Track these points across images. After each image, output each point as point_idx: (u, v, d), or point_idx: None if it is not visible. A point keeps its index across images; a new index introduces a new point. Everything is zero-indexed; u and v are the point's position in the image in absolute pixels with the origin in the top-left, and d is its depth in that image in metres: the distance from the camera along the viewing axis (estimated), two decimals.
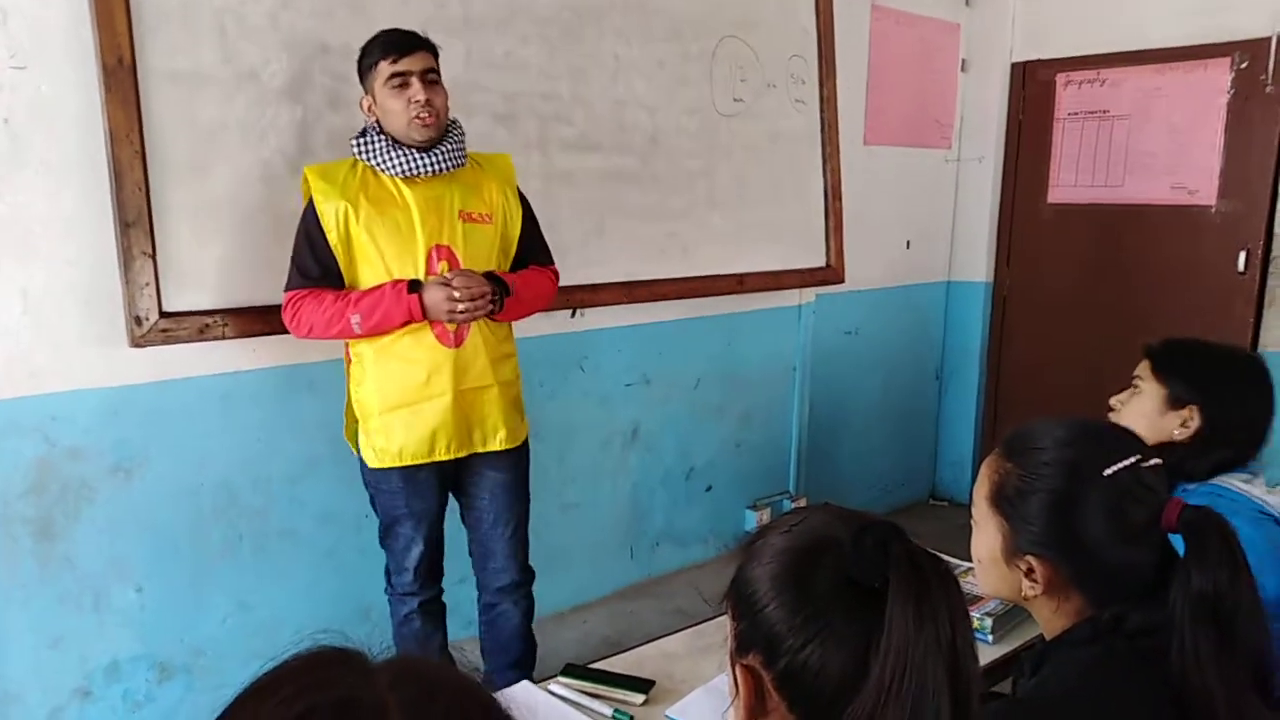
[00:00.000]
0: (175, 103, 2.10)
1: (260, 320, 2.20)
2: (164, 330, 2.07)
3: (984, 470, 1.14)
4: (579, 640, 2.97)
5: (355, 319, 1.96)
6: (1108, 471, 1.03)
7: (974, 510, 1.14)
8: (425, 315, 1.99)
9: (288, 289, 2.03)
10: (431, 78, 2.02)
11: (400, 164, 2.01)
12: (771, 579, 0.82)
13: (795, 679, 0.79)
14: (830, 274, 3.63)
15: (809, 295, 3.73)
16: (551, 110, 2.78)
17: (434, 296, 1.97)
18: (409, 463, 2.07)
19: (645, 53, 3.00)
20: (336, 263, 2.01)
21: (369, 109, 2.05)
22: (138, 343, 2.05)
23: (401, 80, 1.98)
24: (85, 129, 2.03)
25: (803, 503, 3.79)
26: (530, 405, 2.91)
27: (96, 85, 2.00)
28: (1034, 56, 4.27)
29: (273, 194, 2.24)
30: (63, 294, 2.05)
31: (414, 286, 1.98)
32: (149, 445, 2.22)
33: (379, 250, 2.00)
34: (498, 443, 2.16)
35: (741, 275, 3.31)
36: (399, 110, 1.99)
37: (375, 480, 2.13)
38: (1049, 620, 1.09)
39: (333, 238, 1.99)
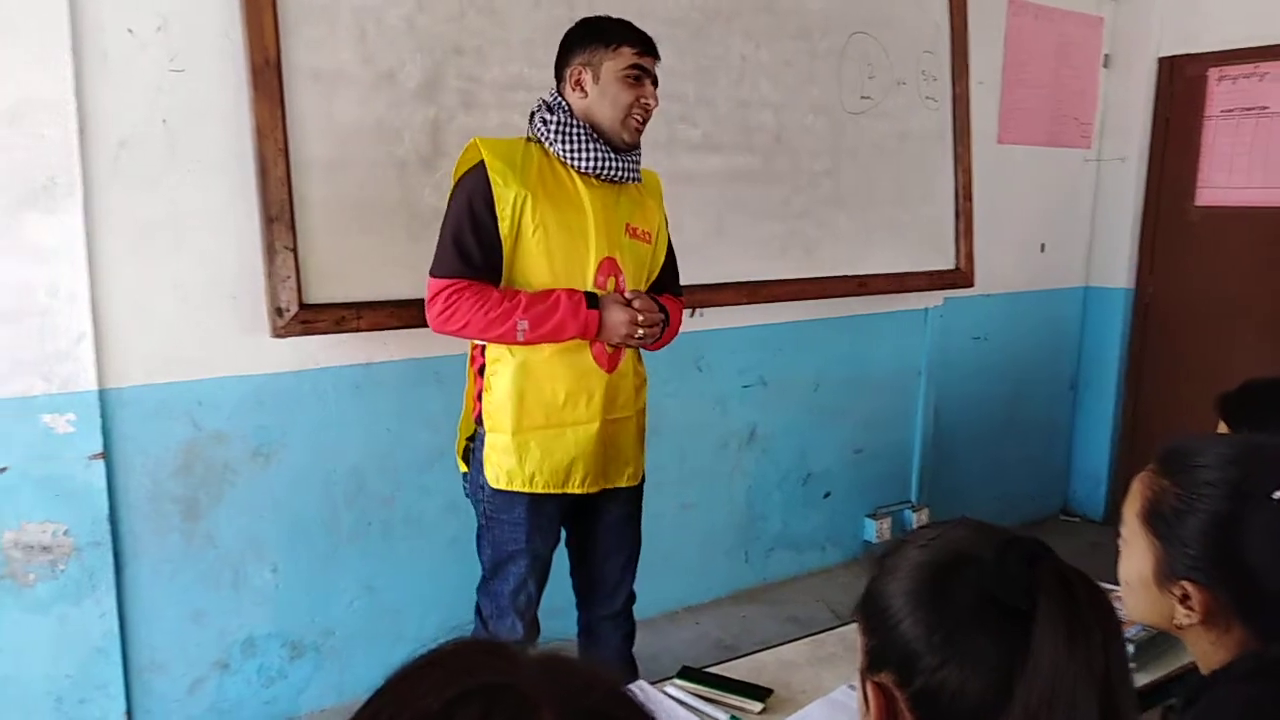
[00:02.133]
0: (316, 101, 2.18)
1: (392, 314, 2.27)
2: (303, 322, 2.16)
3: (1136, 486, 1.06)
4: (691, 641, 2.96)
5: (523, 325, 1.76)
6: (1277, 494, 0.95)
7: (1123, 529, 1.07)
8: (598, 334, 1.84)
9: (441, 275, 1.79)
10: (656, 86, 1.90)
11: (591, 159, 1.83)
12: (907, 594, 0.78)
13: (931, 700, 0.76)
14: (959, 277, 3.51)
15: (936, 299, 3.61)
16: (677, 111, 2.77)
17: (616, 316, 1.82)
18: (539, 490, 1.87)
19: (773, 52, 2.97)
20: (502, 254, 1.80)
21: (578, 83, 1.85)
22: (279, 333, 2.14)
23: (639, 74, 1.84)
24: (233, 128, 2.13)
25: (925, 514, 3.69)
26: (651, 401, 2.93)
27: (244, 85, 2.10)
28: (1183, 51, 4.03)
29: (407, 192, 2.30)
30: (211, 286, 2.16)
31: (592, 301, 1.82)
32: (286, 431, 2.32)
33: (548, 251, 1.81)
34: (625, 479, 1.99)
35: (865, 277, 3.23)
36: (624, 103, 1.83)
37: (494, 508, 1.90)
38: (1206, 652, 1.01)
39: (504, 226, 1.77)
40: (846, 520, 3.56)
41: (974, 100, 3.54)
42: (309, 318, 2.17)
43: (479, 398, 1.91)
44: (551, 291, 1.82)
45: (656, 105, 1.89)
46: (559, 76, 1.91)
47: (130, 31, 2.02)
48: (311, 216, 2.18)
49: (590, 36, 1.87)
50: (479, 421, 1.91)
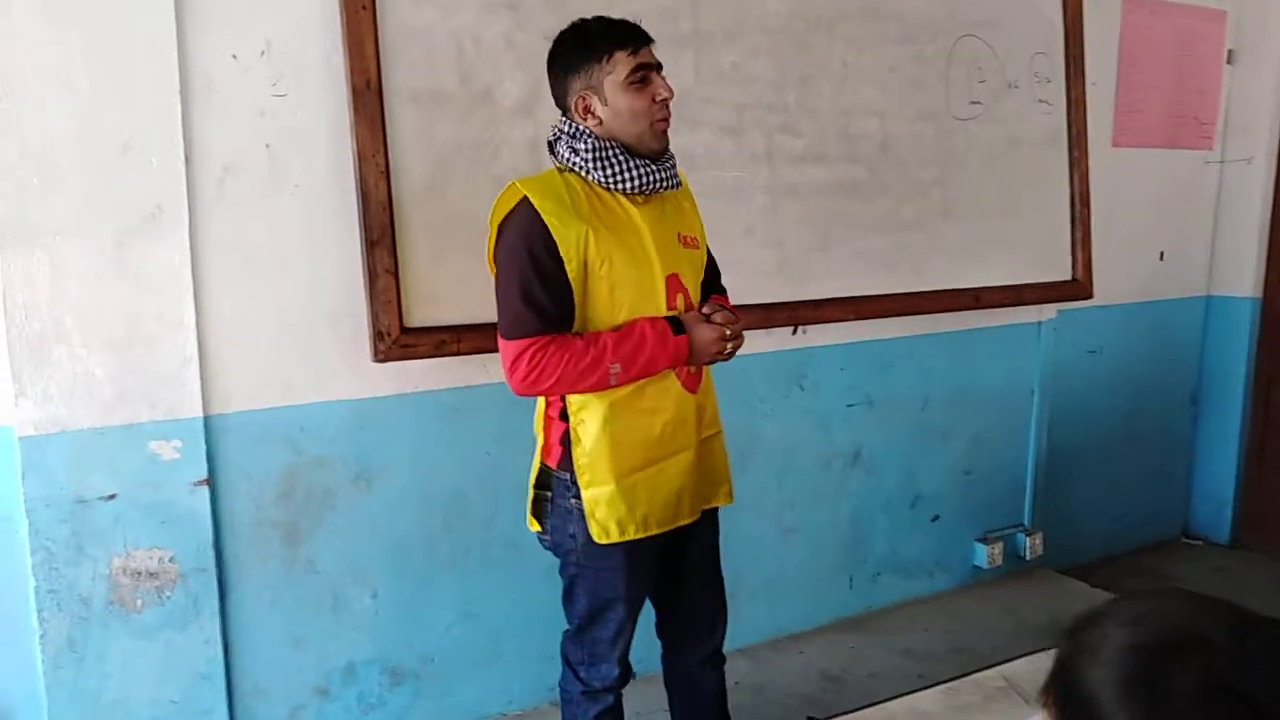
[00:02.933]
0: (416, 123, 2.15)
1: (491, 337, 2.19)
2: (404, 346, 2.12)
3: None
4: (797, 671, 2.84)
5: (616, 369, 1.64)
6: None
7: None
8: (689, 359, 1.74)
9: (519, 335, 1.65)
10: (661, 70, 1.74)
11: (636, 178, 1.70)
12: (1117, 683, 0.68)
13: None
14: (1077, 289, 3.32)
15: (1050, 311, 3.43)
16: (778, 122, 2.68)
17: (705, 335, 1.72)
18: (655, 531, 1.77)
19: (877, 58, 2.85)
20: (573, 299, 1.67)
21: (586, 110, 1.71)
22: (380, 357, 2.11)
23: (644, 75, 1.68)
24: (334, 152, 2.11)
25: (1038, 538, 3.50)
26: (750, 424, 2.85)
27: (345, 108, 2.08)
28: None
29: None
30: (312, 310, 2.15)
31: (677, 326, 1.72)
32: (387, 456, 2.29)
33: (620, 283, 1.69)
34: (722, 497, 1.92)
35: (978, 290, 3.08)
36: (641, 111, 1.68)
37: (589, 559, 1.77)
38: None
39: (572, 269, 1.64)
40: (955, 544, 3.39)
41: (1088, 102, 3.35)
42: (410, 341, 2.14)
43: (562, 446, 1.77)
44: (634, 325, 1.70)
45: (672, 94, 1.72)
46: (562, 106, 1.76)
47: (234, 57, 2.02)
48: (411, 239, 2.15)
49: (576, 58, 1.71)
50: (560, 472, 1.78)
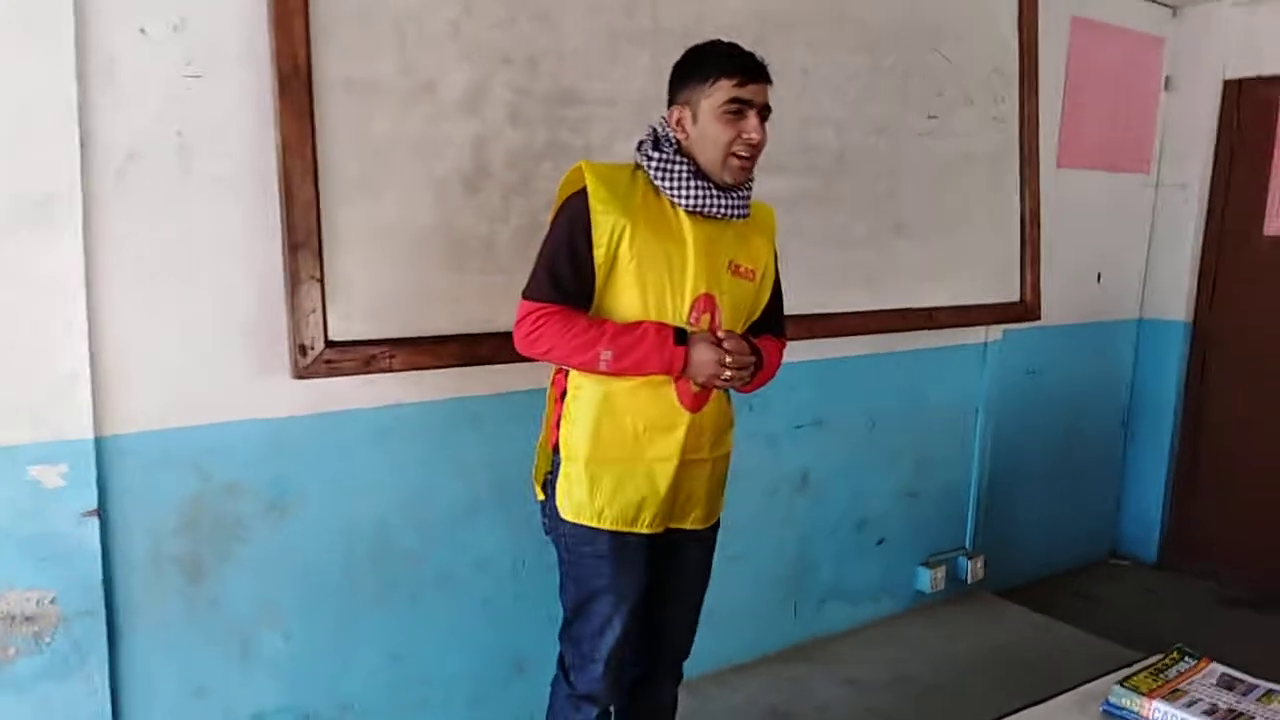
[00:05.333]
0: (349, 114, 1.94)
1: (429, 352, 2.02)
2: (329, 361, 1.91)
3: None
4: (741, 708, 2.70)
5: (607, 355, 1.68)
6: None
7: None
8: (683, 372, 1.73)
9: (532, 297, 1.72)
10: (766, 115, 1.75)
11: (696, 199, 1.73)
12: None
13: None
14: (1024, 310, 3.28)
15: (996, 332, 3.38)
16: None
17: (704, 355, 1.71)
18: (606, 527, 1.76)
19: (836, 65, 2.73)
20: (594, 281, 1.72)
21: (678, 122, 1.75)
22: (301, 374, 1.89)
23: (739, 108, 1.70)
24: (257, 142, 1.88)
25: (980, 561, 3.44)
26: None
27: (269, 95, 1.86)
28: (1251, 73, 3.81)
29: (447, 215, 2.06)
30: (225, 319, 1.91)
31: (680, 337, 1.72)
32: (306, 482, 2.06)
33: (642, 282, 1.71)
34: (691, 522, 1.87)
35: (931, 310, 3.00)
36: (723, 141, 1.71)
37: (575, 541, 1.79)
38: None
39: (600, 254, 1.70)
40: (900, 568, 3.31)
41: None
42: (335, 357, 1.92)
43: (557, 425, 1.82)
44: (641, 323, 1.72)
45: (763, 138, 1.73)
46: (669, 111, 1.79)
47: (142, 31, 1.77)
48: (341, 243, 1.93)
49: (689, 72, 1.76)
50: (556, 450, 1.81)
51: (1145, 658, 1.89)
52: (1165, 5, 3.86)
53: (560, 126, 2.19)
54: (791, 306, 2.67)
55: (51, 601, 1.80)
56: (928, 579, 3.31)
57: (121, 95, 1.76)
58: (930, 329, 3.04)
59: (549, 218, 1.79)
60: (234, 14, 1.84)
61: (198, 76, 1.82)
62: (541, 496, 1.87)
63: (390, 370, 1.99)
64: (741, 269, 1.82)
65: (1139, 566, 4.13)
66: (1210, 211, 3.95)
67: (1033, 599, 3.59)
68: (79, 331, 1.76)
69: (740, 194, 1.78)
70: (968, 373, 3.38)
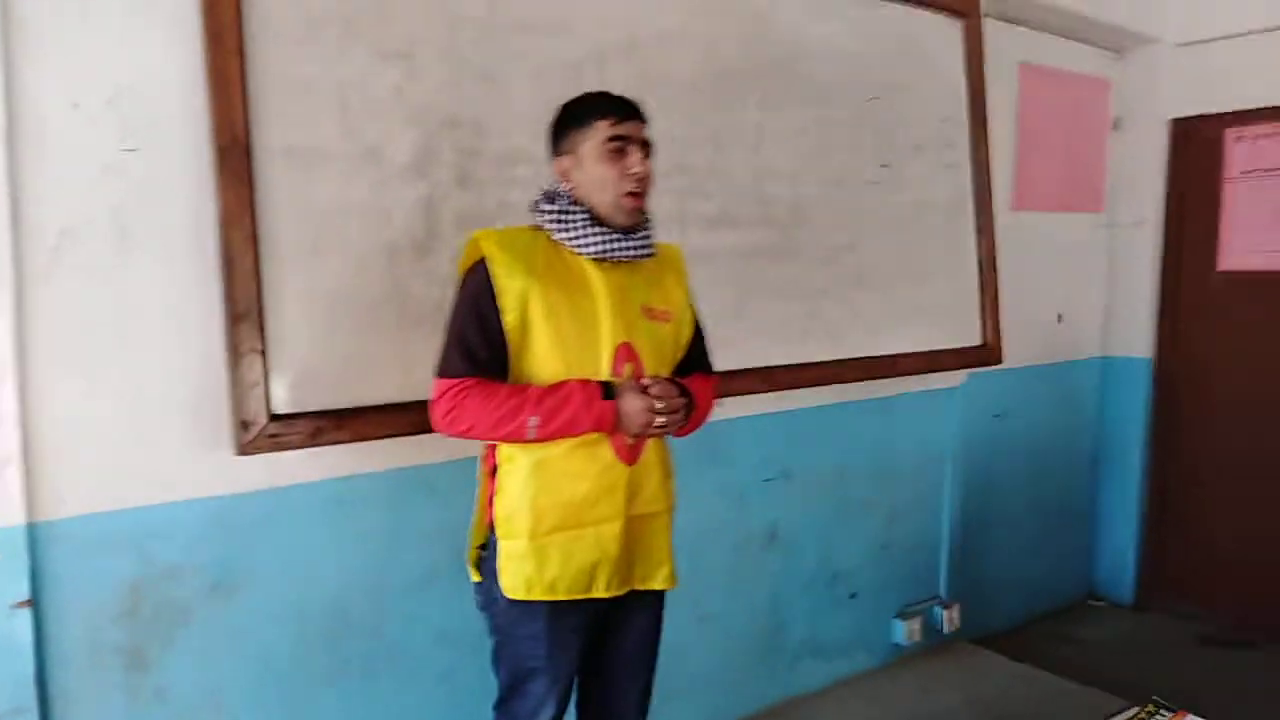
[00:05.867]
0: (291, 183, 1.90)
1: (379, 422, 1.97)
2: (273, 436, 1.85)
3: None
4: None
5: (533, 422, 1.63)
6: None
7: None
8: (616, 426, 1.68)
9: (446, 375, 1.67)
10: (648, 150, 1.75)
11: (598, 244, 1.70)
12: None
13: None
14: (987, 353, 3.27)
15: (960, 377, 3.37)
16: (688, 183, 2.52)
17: (633, 405, 1.67)
18: (561, 597, 1.71)
19: (787, 120, 2.74)
20: (508, 349, 1.68)
21: (564, 173, 1.75)
22: (245, 450, 1.83)
23: (620, 146, 1.70)
24: (195, 214, 1.83)
25: (955, 611, 3.39)
26: None
27: (208, 166, 1.82)
28: (1196, 111, 3.89)
29: (397, 280, 2.02)
30: (165, 395, 1.85)
31: (607, 391, 1.67)
32: (252, 560, 1.99)
33: (560, 341, 1.68)
34: (660, 580, 1.82)
35: (894, 357, 2.98)
36: (610, 180, 1.69)
37: (509, 622, 1.74)
38: None
39: (510, 319, 1.65)
40: (874, 621, 3.25)
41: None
42: (280, 431, 1.86)
43: (491, 502, 1.75)
44: (564, 383, 1.67)
45: (647, 172, 1.73)
46: (553, 164, 1.79)
47: (75, 106, 1.73)
48: (285, 313, 1.88)
49: (566, 122, 1.77)
50: (492, 528, 1.75)
51: (1127, 706, 1.85)
52: (1109, 50, 3.93)
53: (511, 187, 2.17)
54: (753, 359, 2.68)
55: None
56: (903, 631, 3.25)
57: (54, 171, 1.71)
58: (894, 376, 3.02)
59: (452, 294, 1.74)
60: (170, 84, 1.81)
61: (133, 150, 1.78)
62: (477, 578, 1.81)
63: (339, 443, 1.93)
64: (656, 311, 1.79)
65: (1116, 608, 4.10)
66: (1166, 247, 4.01)
67: (1012, 646, 3.54)
68: (8, 415, 1.69)
69: (641, 234, 1.76)
70: (934, 419, 3.36)
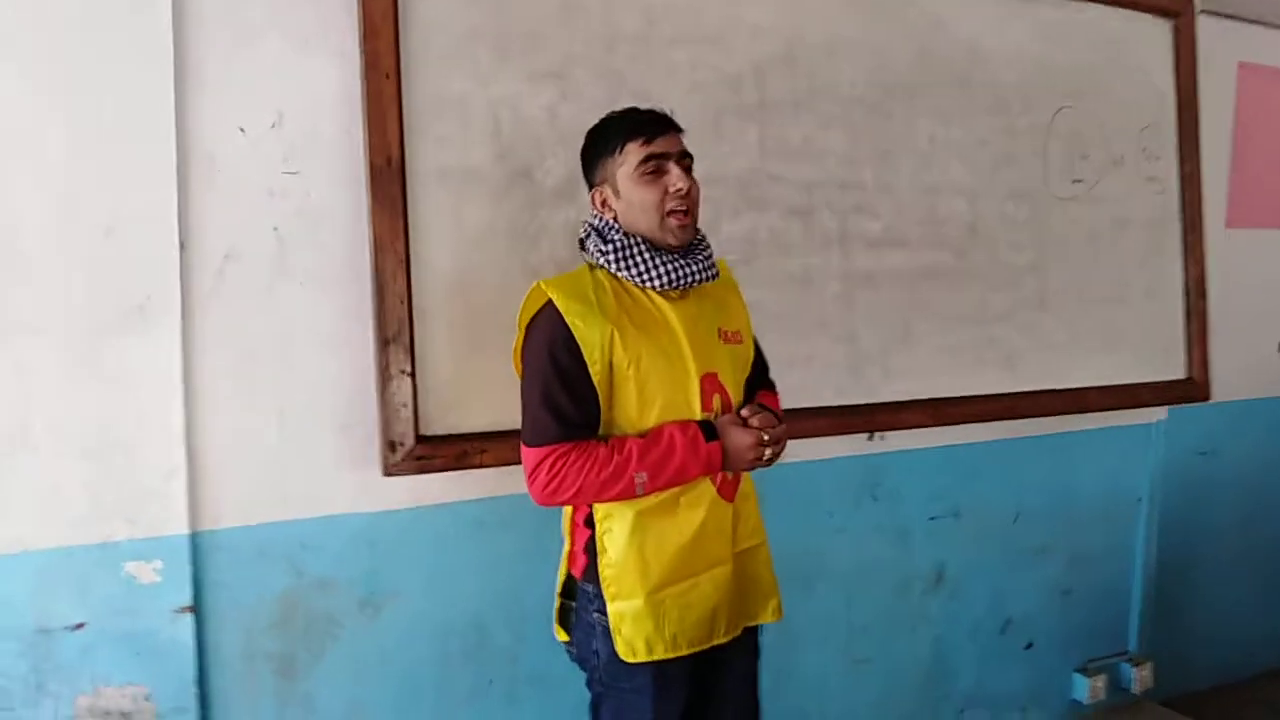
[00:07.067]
0: (442, 205, 1.91)
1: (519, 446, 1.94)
2: (419, 458, 1.86)
3: None
4: None
5: (641, 479, 1.52)
6: None
7: None
8: (724, 465, 1.59)
9: (537, 443, 1.55)
10: (688, 164, 1.63)
11: (665, 274, 1.59)
12: None
13: None
14: (1191, 389, 2.94)
15: (1160, 412, 3.05)
16: (853, 202, 2.39)
17: (741, 441, 1.58)
18: (684, 652, 1.61)
19: (965, 130, 2.55)
20: (599, 404, 1.56)
21: (603, 204, 1.64)
22: (390, 471, 1.85)
23: (657, 165, 1.59)
24: (350, 236, 1.88)
25: (1148, 668, 3.07)
26: (816, 540, 2.51)
27: (363, 187, 1.85)
28: None
29: None
30: (319, 415, 1.89)
31: (709, 432, 1.58)
32: (397, 577, 2.01)
33: (650, 385, 1.56)
34: (769, 614, 1.73)
35: (1080, 390, 2.73)
36: (652, 202, 1.58)
37: (612, 675, 1.63)
38: None
39: (596, 371, 1.53)
40: (1052, 675, 2.98)
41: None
42: (426, 453, 1.87)
43: (586, 554, 1.65)
44: (662, 431, 1.57)
45: (691, 185, 1.60)
46: (590, 196, 1.68)
47: (241, 130, 1.80)
48: (433, 336, 1.89)
49: (595, 149, 1.66)
50: (585, 583, 1.65)
51: None
52: None
53: None
54: (919, 389, 2.51)
55: (146, 698, 1.79)
56: (1085, 688, 2.97)
57: (221, 196, 1.79)
58: (1081, 413, 2.76)
59: (515, 349, 1.66)
60: (329, 107, 1.86)
61: (295, 173, 1.84)
62: (564, 638, 1.72)
63: (482, 466, 1.93)
64: (729, 334, 1.69)
65: None
66: None
67: (1211, 711, 3.18)
68: (176, 430, 1.77)
69: (701, 254, 1.65)
70: (1128, 457, 3.05)
